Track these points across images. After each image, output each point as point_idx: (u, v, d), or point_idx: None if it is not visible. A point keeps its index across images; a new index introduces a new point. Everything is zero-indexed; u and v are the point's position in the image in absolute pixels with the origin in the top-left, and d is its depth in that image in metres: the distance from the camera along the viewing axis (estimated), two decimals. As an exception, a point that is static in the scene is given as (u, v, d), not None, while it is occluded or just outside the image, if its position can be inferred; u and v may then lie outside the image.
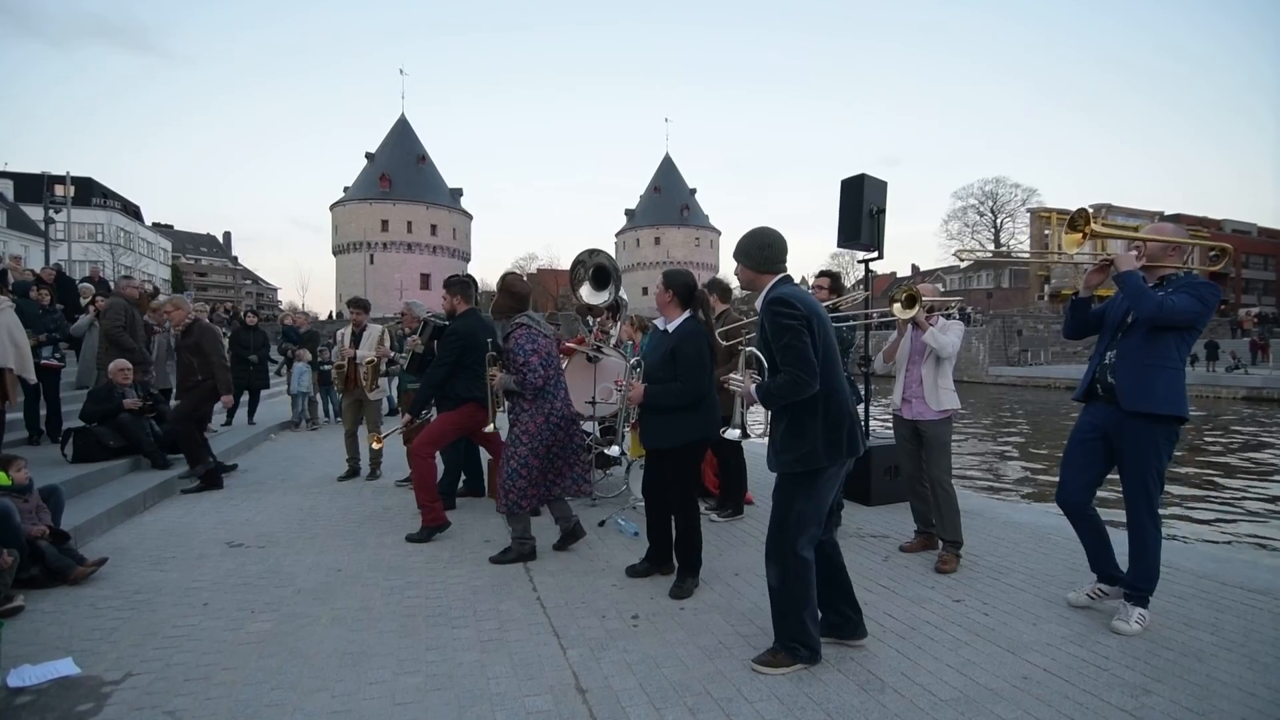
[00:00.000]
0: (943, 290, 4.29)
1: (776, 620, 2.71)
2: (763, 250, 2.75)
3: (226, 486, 6.14)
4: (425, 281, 62.80)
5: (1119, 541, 3.23)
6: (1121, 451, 3.04)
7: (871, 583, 3.64)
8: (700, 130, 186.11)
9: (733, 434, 2.86)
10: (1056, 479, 3.41)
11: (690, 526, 3.53)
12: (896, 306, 3.91)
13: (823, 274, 4.89)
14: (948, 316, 4.20)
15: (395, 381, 6.48)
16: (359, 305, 6.76)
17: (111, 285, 10.42)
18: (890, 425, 4.48)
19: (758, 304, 2.75)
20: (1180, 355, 2.97)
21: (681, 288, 3.52)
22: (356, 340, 6.50)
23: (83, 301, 10.16)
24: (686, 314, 3.51)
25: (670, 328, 3.52)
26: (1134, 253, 3.06)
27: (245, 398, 9.64)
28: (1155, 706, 2.39)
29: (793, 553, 2.63)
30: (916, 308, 3.87)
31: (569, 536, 4.22)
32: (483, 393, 4.54)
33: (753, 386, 2.64)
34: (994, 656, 2.78)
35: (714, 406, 3.53)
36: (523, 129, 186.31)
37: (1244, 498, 9.27)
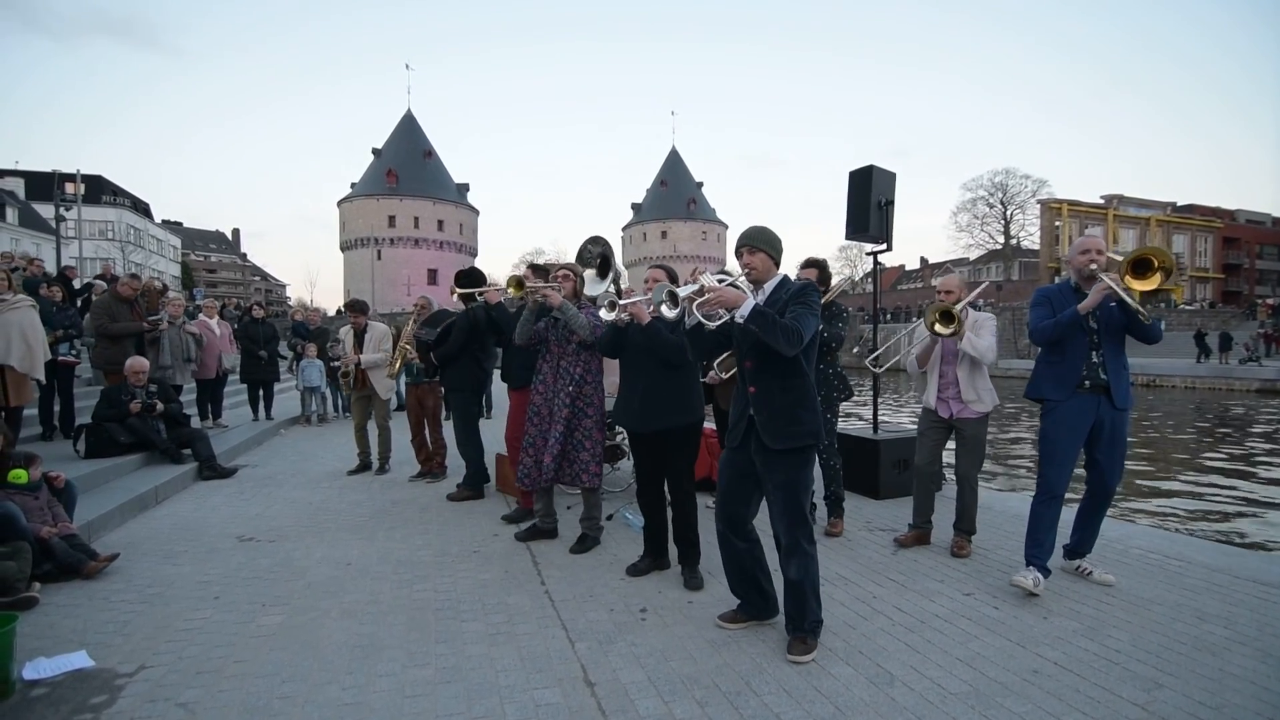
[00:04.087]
0: (965, 278, 4.09)
1: (797, 609, 2.77)
2: (779, 245, 2.92)
3: (238, 480, 6.19)
4: (432, 277, 62.86)
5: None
6: (1112, 439, 3.38)
7: (881, 576, 3.63)
8: (706, 124, 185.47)
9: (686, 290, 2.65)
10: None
11: (692, 508, 3.58)
12: (937, 327, 3.77)
13: (808, 264, 4.51)
14: (975, 308, 4.06)
15: (403, 376, 6.46)
16: (356, 308, 6.70)
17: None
18: (915, 419, 4.35)
19: (768, 289, 2.86)
20: None
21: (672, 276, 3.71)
22: (360, 341, 6.50)
23: (94, 297, 10.28)
24: None
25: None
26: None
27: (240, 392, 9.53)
28: (1167, 700, 2.37)
29: (810, 540, 2.77)
30: (955, 324, 3.73)
31: (541, 533, 4.33)
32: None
33: (753, 299, 2.63)
34: (1004, 650, 2.77)
35: (701, 392, 3.76)
36: (529, 124, 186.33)
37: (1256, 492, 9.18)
